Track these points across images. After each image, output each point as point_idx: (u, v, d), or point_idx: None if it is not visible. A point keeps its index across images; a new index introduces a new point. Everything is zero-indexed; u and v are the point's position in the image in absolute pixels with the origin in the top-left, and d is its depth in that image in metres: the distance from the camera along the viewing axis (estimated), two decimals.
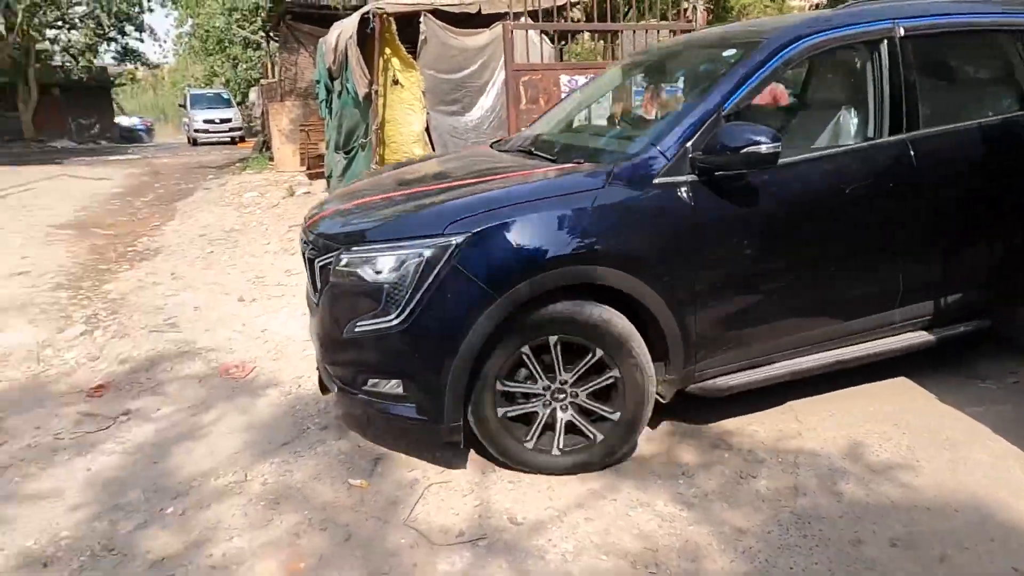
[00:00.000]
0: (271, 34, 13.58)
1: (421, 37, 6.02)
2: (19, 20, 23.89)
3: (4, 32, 24.30)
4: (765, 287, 2.83)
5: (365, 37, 6.04)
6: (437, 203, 2.69)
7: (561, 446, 2.69)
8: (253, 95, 17.29)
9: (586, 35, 7.85)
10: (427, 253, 2.45)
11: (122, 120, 32.87)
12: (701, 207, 2.64)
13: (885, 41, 2.98)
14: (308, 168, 10.30)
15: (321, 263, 2.75)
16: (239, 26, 26.15)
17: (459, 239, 2.45)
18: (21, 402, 3.73)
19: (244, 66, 28.19)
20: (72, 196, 10.66)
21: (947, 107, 3.21)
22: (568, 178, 2.76)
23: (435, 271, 2.44)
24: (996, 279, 3.22)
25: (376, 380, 2.64)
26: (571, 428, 2.70)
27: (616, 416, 2.66)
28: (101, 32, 27.74)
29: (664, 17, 6.16)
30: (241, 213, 7.94)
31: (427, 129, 6.27)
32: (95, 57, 29.35)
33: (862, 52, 3.07)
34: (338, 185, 7.68)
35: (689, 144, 2.63)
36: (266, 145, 14.05)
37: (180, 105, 27.10)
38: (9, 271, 5.71)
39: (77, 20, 26.77)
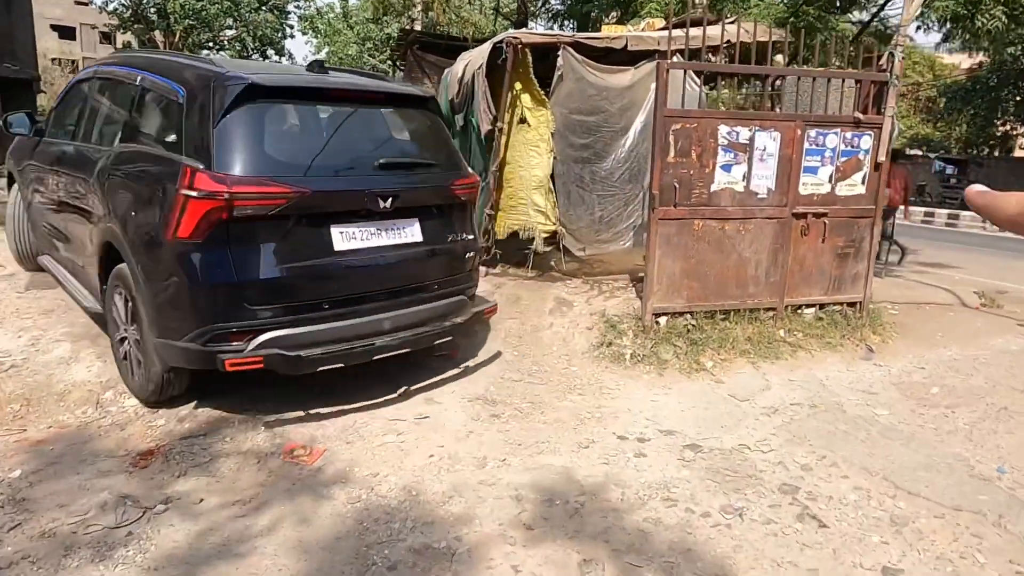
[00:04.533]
0: (397, 63, 13.50)
1: (557, 72, 5.31)
2: (176, 39, 25.79)
3: (162, 49, 26.28)
4: (48, 205, 4.60)
5: (494, 68, 5.42)
6: None
7: None
8: None
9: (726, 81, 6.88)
10: None
11: None
12: (28, 149, 4.98)
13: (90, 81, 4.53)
14: None
15: None
16: (369, 55, 27.06)
17: None
18: (62, 459, 3.20)
19: None
20: None
21: (106, 132, 4.15)
22: None
23: None
24: None
25: None
26: None
27: None
28: (245, 54, 29.51)
29: (851, 64, 5.14)
30: None
31: (552, 175, 5.54)
32: None
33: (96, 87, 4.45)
34: None
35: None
36: None
37: None
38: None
39: (225, 42, 28.62)
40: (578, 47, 5.40)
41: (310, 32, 30.61)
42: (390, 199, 3.46)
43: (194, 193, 3.05)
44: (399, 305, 3.65)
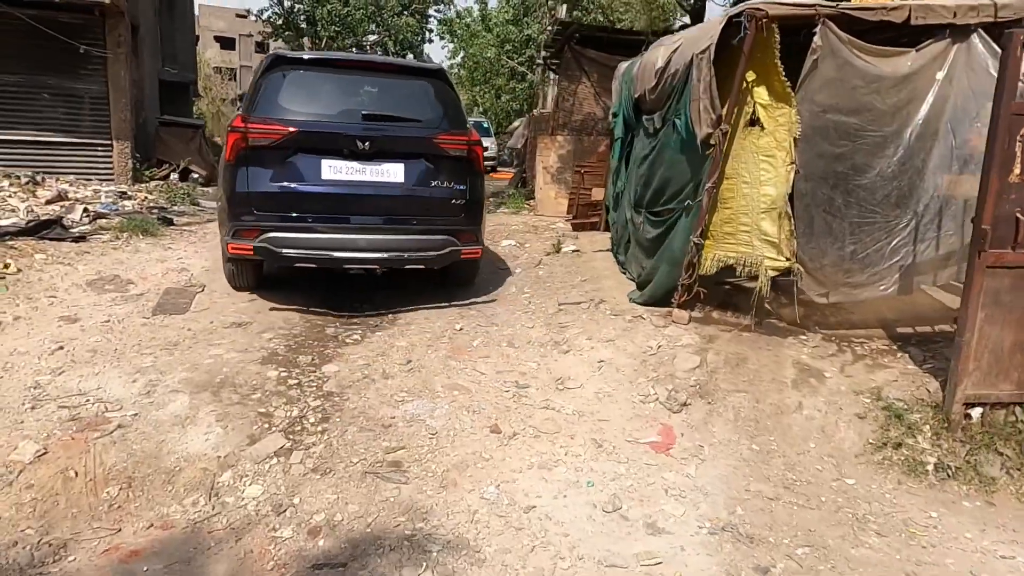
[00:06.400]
0: (548, 61, 12.40)
1: (811, 56, 3.89)
2: (323, 45, 26.38)
3: None
4: None
5: (723, 53, 4.09)
6: None
7: None
8: (517, 124, 16.64)
9: None
10: None
11: None
12: None
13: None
14: (575, 216, 8.54)
15: None
16: (508, 57, 26.38)
17: None
18: None
19: (506, 97, 28.45)
20: None
21: None
22: None
23: None
24: None
25: None
26: None
27: None
28: None
29: None
30: (495, 270, 6.40)
31: (790, 195, 4.13)
32: None
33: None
34: (626, 260, 5.74)
35: None
36: (523, 181, 12.86)
37: None
38: (225, 318, 4.56)
39: (368, 47, 29.03)
40: (841, 22, 3.94)
41: (448, 36, 30.49)
42: (367, 142, 4.45)
43: (230, 128, 4.49)
44: (376, 231, 4.58)
